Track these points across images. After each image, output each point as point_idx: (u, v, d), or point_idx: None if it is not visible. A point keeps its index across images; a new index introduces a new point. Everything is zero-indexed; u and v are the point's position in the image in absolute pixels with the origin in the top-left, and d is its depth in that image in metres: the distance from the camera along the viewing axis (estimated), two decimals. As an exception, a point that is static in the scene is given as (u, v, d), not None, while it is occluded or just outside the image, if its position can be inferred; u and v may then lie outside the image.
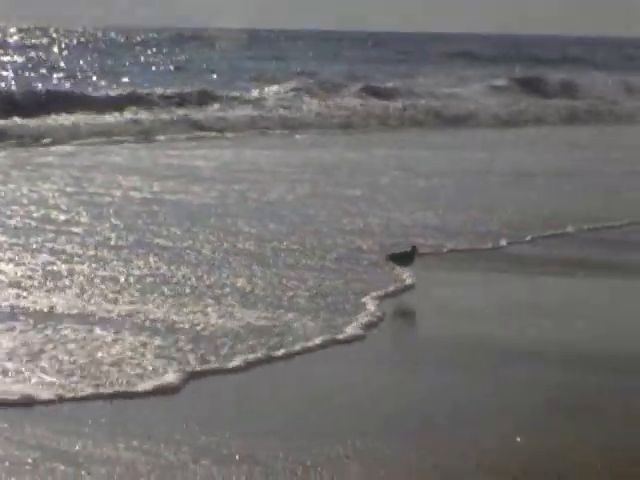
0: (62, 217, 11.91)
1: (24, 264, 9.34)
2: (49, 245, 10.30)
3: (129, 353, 6.68)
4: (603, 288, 9.20)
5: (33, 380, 6.11)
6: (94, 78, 38.61)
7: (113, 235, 10.93)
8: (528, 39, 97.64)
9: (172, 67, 49.33)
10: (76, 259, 9.69)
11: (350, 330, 7.29)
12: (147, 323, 7.44)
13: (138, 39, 78.21)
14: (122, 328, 7.30)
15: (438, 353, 7.04)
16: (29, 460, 4.91)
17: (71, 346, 6.80)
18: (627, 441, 5.21)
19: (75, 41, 73.49)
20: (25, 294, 8.31)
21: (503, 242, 10.61)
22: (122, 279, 8.85)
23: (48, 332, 7.12)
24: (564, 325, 7.77)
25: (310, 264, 9.59)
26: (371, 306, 7.93)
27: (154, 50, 63.58)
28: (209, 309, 7.83)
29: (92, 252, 10.04)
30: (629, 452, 5.01)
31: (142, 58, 56.25)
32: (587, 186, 15.01)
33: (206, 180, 15.54)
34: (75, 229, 11.25)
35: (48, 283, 8.67)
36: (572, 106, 32.34)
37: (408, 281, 8.82)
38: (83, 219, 11.86)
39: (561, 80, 37.16)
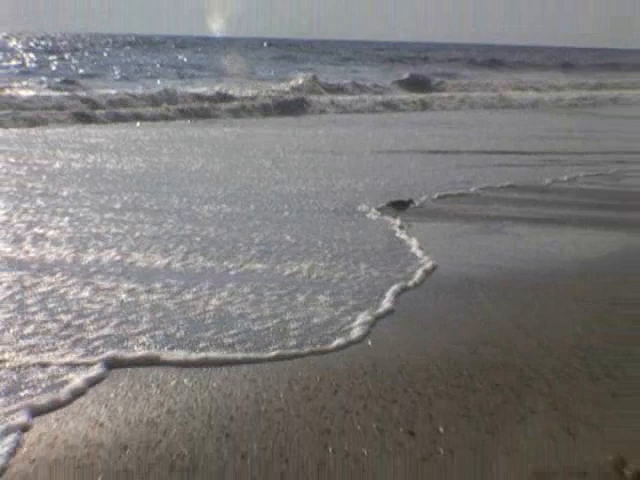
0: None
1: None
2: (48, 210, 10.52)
3: (307, 309, 6.65)
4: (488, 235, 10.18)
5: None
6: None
7: (99, 198, 11.30)
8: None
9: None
10: (97, 222, 9.83)
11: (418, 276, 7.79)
12: (307, 280, 7.43)
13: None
14: (273, 285, 7.24)
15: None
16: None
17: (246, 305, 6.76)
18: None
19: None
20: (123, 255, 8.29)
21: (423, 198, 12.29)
22: (178, 240, 8.88)
23: (205, 290, 7.07)
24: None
25: (314, 225, 10.07)
26: (422, 257, 8.56)
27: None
28: (322, 264, 7.94)
29: (106, 215, 10.25)
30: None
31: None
32: (469, 161, 17.03)
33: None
34: (45, 193, 11.69)
35: (117, 243, 8.80)
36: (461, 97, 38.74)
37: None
38: (39, 185, 12.31)
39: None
